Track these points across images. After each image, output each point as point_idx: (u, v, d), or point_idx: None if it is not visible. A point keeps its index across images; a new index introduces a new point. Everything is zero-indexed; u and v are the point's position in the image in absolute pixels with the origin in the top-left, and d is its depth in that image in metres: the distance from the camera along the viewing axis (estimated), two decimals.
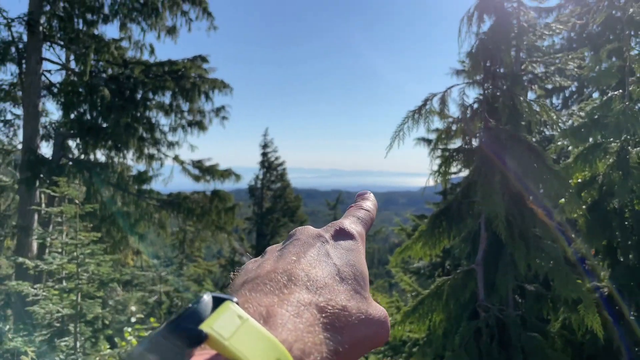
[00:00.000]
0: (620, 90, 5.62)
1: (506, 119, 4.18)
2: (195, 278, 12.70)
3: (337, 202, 26.77)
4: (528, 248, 4.14)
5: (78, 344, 6.22)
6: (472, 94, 4.78)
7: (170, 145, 12.28)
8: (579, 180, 5.64)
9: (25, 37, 10.75)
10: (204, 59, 12.08)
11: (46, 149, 11.35)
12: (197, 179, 12.24)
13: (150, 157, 12.11)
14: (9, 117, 11.70)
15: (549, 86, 10.48)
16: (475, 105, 4.45)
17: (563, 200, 4.29)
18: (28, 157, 10.36)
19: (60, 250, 7.73)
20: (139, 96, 11.60)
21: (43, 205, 10.33)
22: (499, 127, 4.26)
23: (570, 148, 6.45)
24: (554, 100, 11.93)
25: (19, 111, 11.58)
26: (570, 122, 6.80)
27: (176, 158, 12.32)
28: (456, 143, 5.57)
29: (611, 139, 5.42)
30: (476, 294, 4.40)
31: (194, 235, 13.48)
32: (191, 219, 11.93)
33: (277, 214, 27.07)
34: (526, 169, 4.03)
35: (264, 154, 27.55)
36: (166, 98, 11.91)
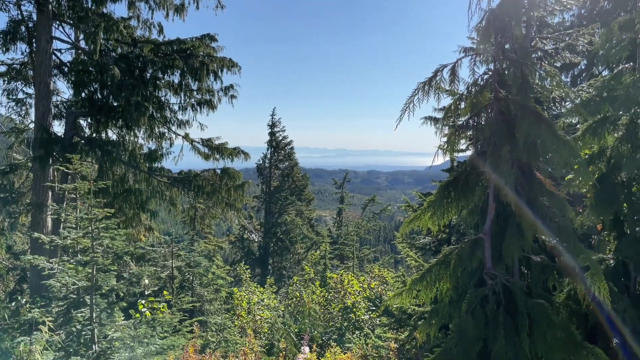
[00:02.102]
0: (631, 63, 5.61)
1: (516, 90, 4.22)
2: (206, 254, 12.93)
3: (344, 181, 26.86)
4: (536, 218, 4.22)
5: (94, 315, 6.42)
6: (482, 69, 4.79)
7: (180, 124, 12.39)
8: (587, 154, 5.67)
9: (34, 16, 10.81)
10: (212, 38, 12.08)
11: (58, 128, 11.54)
12: (206, 157, 12.36)
13: (161, 136, 12.25)
14: (20, 96, 11.87)
15: (558, 64, 10.41)
16: (486, 77, 4.48)
17: (572, 170, 4.34)
18: (41, 136, 10.52)
19: (74, 225, 7.91)
20: (148, 75, 11.66)
21: (56, 182, 10.53)
22: (509, 97, 4.30)
23: (578, 125, 6.47)
24: (564, 77, 11.84)
25: (31, 90, 11.72)
26: (579, 99, 6.80)
27: (186, 137, 12.43)
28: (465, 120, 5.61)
29: (620, 112, 5.43)
30: (483, 263, 4.51)
31: (204, 212, 13.67)
32: (201, 196, 12.10)
33: (284, 192, 27.29)
34: (535, 139, 4.09)
35: (272, 134, 27.64)
36: (175, 77, 11.97)
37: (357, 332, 11.80)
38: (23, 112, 12.01)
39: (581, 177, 4.48)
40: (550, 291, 5.49)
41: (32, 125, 11.42)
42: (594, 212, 5.39)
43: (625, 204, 5.57)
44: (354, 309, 12.59)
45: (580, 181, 4.73)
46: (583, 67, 11.68)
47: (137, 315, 8.39)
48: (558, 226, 4.24)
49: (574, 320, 5.59)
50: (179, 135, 12.42)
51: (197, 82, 12.06)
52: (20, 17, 10.65)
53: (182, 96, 12.22)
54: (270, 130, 27.76)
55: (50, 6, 10.63)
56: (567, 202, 4.38)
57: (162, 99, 12.06)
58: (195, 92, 12.30)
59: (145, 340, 6.83)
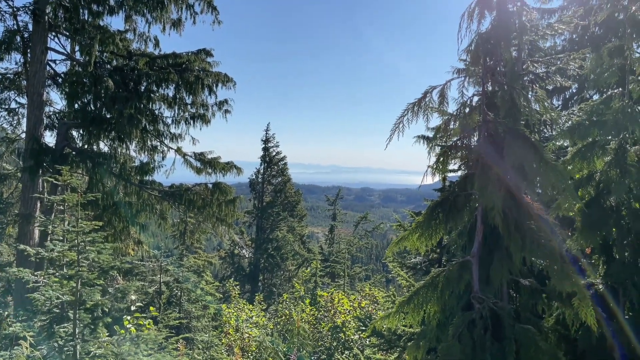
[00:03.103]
0: (620, 89, 5.68)
1: (505, 113, 4.24)
2: (195, 269, 12.79)
3: (337, 197, 26.82)
4: (524, 241, 4.21)
5: (77, 331, 6.29)
6: (471, 91, 4.82)
7: (173, 137, 12.36)
8: (577, 178, 5.69)
9: (30, 27, 10.83)
10: (208, 53, 12.13)
11: (50, 138, 11.46)
12: (198, 171, 12.31)
13: (153, 149, 12.20)
14: (13, 105, 11.82)
15: (550, 87, 10.53)
16: (475, 99, 4.51)
17: (560, 194, 4.35)
18: (32, 146, 10.44)
19: (61, 237, 7.80)
20: (142, 88, 11.67)
21: (45, 193, 10.42)
22: (497, 120, 4.32)
23: (569, 148, 6.51)
24: (555, 101, 11.97)
25: (24, 100, 11.67)
26: (569, 123, 6.85)
27: (178, 150, 12.39)
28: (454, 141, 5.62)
29: (609, 137, 5.47)
30: (471, 286, 4.47)
31: (194, 226, 13.57)
32: (192, 210, 12.02)
33: (277, 208, 27.19)
34: (523, 163, 4.09)
35: (266, 149, 27.66)
36: (170, 90, 11.97)
37: (346, 352, 11.63)
38: (15, 121, 11.95)
39: (569, 201, 4.48)
40: (540, 315, 5.45)
41: (23, 135, 11.34)
42: (582, 236, 5.39)
43: (614, 229, 5.58)
44: (344, 329, 12.44)
45: (569, 205, 4.73)
46: (574, 90, 11.83)
47: (122, 331, 8.23)
48: (546, 250, 4.22)
49: (563, 345, 5.55)
50: (172, 148, 12.38)
51: (191, 96, 12.06)
52: (15, 27, 10.67)
53: (176, 110, 12.21)
54: (263, 145, 27.80)
55: (46, 17, 10.66)
56: (555, 226, 4.37)
57: (156, 112, 12.04)
58: (189, 106, 12.30)
59: (129, 357, 6.68)
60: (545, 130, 9.75)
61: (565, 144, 7.39)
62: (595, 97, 9.65)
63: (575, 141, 5.30)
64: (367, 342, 10.85)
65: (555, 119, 4.48)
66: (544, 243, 4.26)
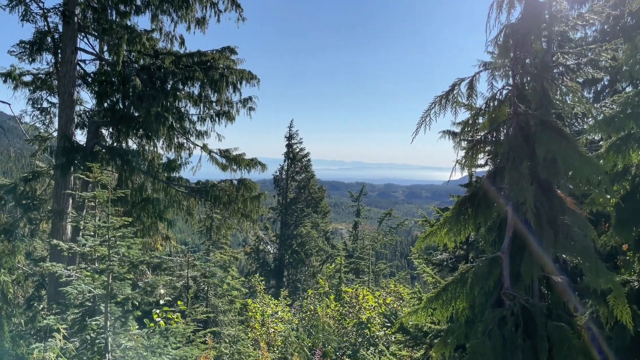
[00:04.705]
0: None
1: (536, 105, 4.14)
2: (221, 264, 12.95)
3: (361, 193, 26.72)
4: (556, 236, 4.10)
5: (108, 323, 6.44)
6: (500, 83, 4.72)
7: (199, 134, 12.52)
8: (610, 172, 5.52)
9: (60, 28, 11.10)
10: (232, 51, 12.23)
11: (80, 137, 11.76)
12: (224, 168, 12.45)
13: (180, 146, 12.39)
14: (45, 105, 12.12)
15: (581, 79, 10.23)
16: (504, 92, 4.41)
17: (594, 188, 4.22)
18: (63, 144, 10.73)
19: (92, 233, 8.00)
20: (169, 86, 11.85)
21: (77, 190, 10.70)
22: (528, 112, 4.22)
23: (601, 142, 6.31)
24: (586, 93, 11.63)
25: (55, 99, 11.98)
26: (601, 115, 6.63)
27: (204, 147, 12.54)
28: (483, 134, 5.51)
29: None
30: (501, 282, 4.38)
31: (220, 222, 13.72)
32: (218, 206, 12.16)
33: (301, 204, 27.30)
34: (556, 156, 3.98)
35: (289, 145, 27.76)
36: (195, 88, 12.12)
37: (371, 348, 11.62)
38: (47, 120, 12.27)
39: (604, 195, 4.34)
40: (572, 313, 5.32)
41: (55, 134, 11.66)
42: (618, 232, 5.23)
43: None
44: (369, 325, 12.41)
45: (604, 200, 4.59)
46: (606, 82, 11.46)
47: (151, 324, 8.41)
48: (579, 246, 4.11)
49: (597, 344, 5.39)
50: (198, 145, 12.55)
51: (216, 94, 12.19)
52: (46, 28, 10.95)
53: (202, 107, 12.36)
54: (287, 142, 27.90)
55: (75, 18, 10.91)
56: (588, 222, 4.24)
57: (182, 109, 12.22)
58: (214, 104, 12.44)
59: (159, 350, 6.82)
60: (576, 123, 9.49)
61: (597, 138, 7.17)
62: (629, 89, 9.33)
63: (610, 134, 5.14)
64: (393, 338, 10.81)
65: (589, 110, 4.34)
66: (578, 239, 4.14)
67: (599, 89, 11.84)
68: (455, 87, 4.40)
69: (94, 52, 11.91)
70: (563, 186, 4.41)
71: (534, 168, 4.22)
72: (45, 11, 10.83)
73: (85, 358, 6.29)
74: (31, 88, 11.77)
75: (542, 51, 4.69)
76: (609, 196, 4.43)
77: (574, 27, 9.90)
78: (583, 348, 4.25)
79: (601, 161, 5.35)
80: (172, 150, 12.35)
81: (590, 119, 7.90)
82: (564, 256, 4.64)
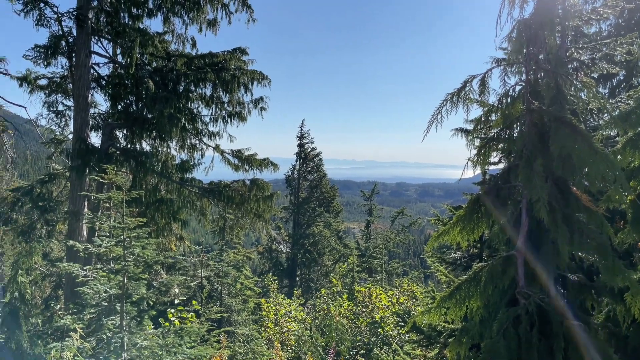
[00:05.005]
0: None
1: (550, 101, 4.09)
2: (235, 264, 13.02)
3: (373, 192, 26.64)
4: (572, 234, 4.05)
5: (124, 323, 6.52)
6: (513, 80, 4.67)
7: (211, 135, 12.60)
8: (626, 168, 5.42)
9: (74, 31, 11.24)
10: (243, 51, 12.28)
11: (95, 139, 11.90)
12: (236, 168, 12.51)
13: (192, 147, 12.48)
14: (60, 108, 12.29)
15: (596, 74, 10.08)
16: (517, 88, 4.36)
17: (610, 185, 4.16)
18: (78, 146, 10.88)
19: (108, 233, 8.11)
20: (181, 88, 11.94)
21: (92, 191, 10.84)
22: (542, 108, 4.17)
23: (617, 138, 6.20)
24: (601, 89, 11.46)
25: (70, 103, 12.15)
26: (617, 111, 6.52)
27: (217, 148, 12.62)
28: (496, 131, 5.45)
29: None
30: (515, 281, 4.34)
31: (233, 222, 13.80)
32: (231, 206, 12.23)
33: (313, 203, 27.31)
34: (571, 152, 3.93)
35: (301, 145, 27.79)
36: (207, 90, 12.19)
37: (385, 347, 11.59)
38: (62, 123, 12.45)
39: (620, 192, 4.27)
40: (588, 312, 5.25)
41: (70, 136, 11.83)
42: (635, 229, 5.14)
43: None
44: (382, 324, 12.39)
45: (620, 197, 4.52)
46: (622, 77, 11.28)
47: (167, 324, 8.49)
48: (596, 244, 4.05)
49: (613, 342, 5.32)
50: (210, 146, 12.63)
51: (228, 95, 12.25)
52: (60, 32, 11.08)
53: (214, 108, 12.43)
54: (299, 141, 27.93)
55: (89, 22, 11.05)
56: (605, 219, 4.18)
57: (194, 111, 12.31)
58: (226, 105, 12.50)
59: (174, 349, 6.89)
60: (591, 119, 9.35)
61: (613, 134, 7.05)
62: None
63: (627, 130, 5.05)
64: (407, 337, 10.77)
65: (604, 106, 4.27)
66: (594, 236, 4.08)
67: (614, 84, 11.67)
68: (467, 84, 4.37)
69: (108, 55, 12.05)
70: (578, 183, 4.35)
71: (549, 165, 4.17)
72: (60, 15, 10.97)
73: (101, 357, 6.38)
74: (46, 91, 11.94)
75: (555, 46, 4.63)
76: (625, 193, 4.35)
77: (588, 22, 9.76)
78: (600, 347, 4.19)
79: (618, 157, 5.27)
80: (185, 151, 12.45)
81: (606, 115, 7.78)
82: (580, 254, 4.58)
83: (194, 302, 10.58)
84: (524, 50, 4.43)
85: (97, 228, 8.94)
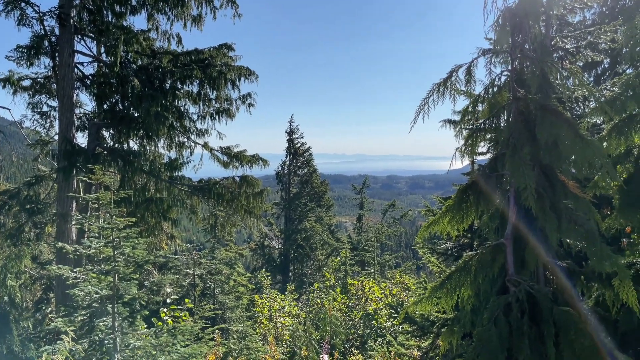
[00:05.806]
0: None
1: (535, 89, 4.10)
2: (227, 261, 12.99)
3: (364, 186, 26.70)
4: (560, 221, 4.08)
5: (116, 324, 6.48)
6: (499, 69, 4.68)
7: (199, 132, 12.53)
8: (613, 154, 5.48)
9: (57, 31, 11.07)
10: (229, 47, 12.20)
11: (81, 139, 11.76)
12: (226, 165, 12.46)
13: (181, 145, 12.40)
14: (45, 109, 12.14)
15: (581, 63, 10.15)
16: (503, 77, 4.38)
17: (597, 172, 4.19)
18: (65, 147, 10.75)
19: (97, 234, 8.03)
20: (167, 85, 11.84)
21: (80, 192, 10.73)
22: (528, 97, 4.18)
23: (603, 125, 6.26)
24: (586, 77, 11.54)
25: (54, 103, 12.00)
26: (603, 98, 6.57)
27: (205, 145, 12.55)
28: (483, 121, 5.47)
29: None
30: (505, 269, 4.38)
31: (224, 220, 13.75)
32: (221, 204, 12.18)
33: (304, 198, 27.32)
34: (557, 140, 3.95)
35: (290, 140, 27.74)
36: (194, 87, 12.11)
37: (379, 339, 11.66)
38: (47, 124, 12.29)
39: (607, 178, 4.31)
40: (578, 298, 5.30)
41: (56, 137, 11.68)
42: (622, 215, 5.20)
43: None
44: (376, 316, 12.46)
45: (607, 183, 4.56)
46: (606, 65, 11.37)
47: (159, 323, 8.45)
48: (583, 230, 4.09)
49: (603, 327, 5.39)
50: (199, 144, 12.55)
51: (215, 92, 12.17)
52: (43, 32, 10.91)
53: (201, 105, 12.36)
54: (288, 137, 27.87)
55: (71, 20, 10.89)
56: (592, 205, 4.22)
57: (182, 108, 12.22)
58: (213, 101, 12.42)
59: (167, 348, 6.86)
60: (576, 107, 9.43)
61: (599, 121, 7.12)
62: (629, 70, 9.25)
63: (612, 116, 5.10)
64: (400, 328, 10.84)
65: (590, 92, 4.29)
66: (581, 223, 4.12)
67: (599, 72, 11.75)
68: (454, 74, 4.37)
69: (92, 54, 11.90)
70: (565, 170, 4.38)
71: (535, 153, 4.20)
72: (41, 15, 10.79)
73: (94, 359, 6.33)
74: (30, 92, 11.78)
75: (541, 34, 4.65)
76: (611, 179, 4.40)
77: (572, 11, 9.83)
78: (589, 332, 4.24)
79: (604, 144, 5.32)
80: (174, 149, 12.36)
81: (592, 103, 7.85)
82: (568, 240, 4.62)
83: (187, 300, 10.54)
84: (509, 39, 4.44)
85: (86, 229, 8.86)
